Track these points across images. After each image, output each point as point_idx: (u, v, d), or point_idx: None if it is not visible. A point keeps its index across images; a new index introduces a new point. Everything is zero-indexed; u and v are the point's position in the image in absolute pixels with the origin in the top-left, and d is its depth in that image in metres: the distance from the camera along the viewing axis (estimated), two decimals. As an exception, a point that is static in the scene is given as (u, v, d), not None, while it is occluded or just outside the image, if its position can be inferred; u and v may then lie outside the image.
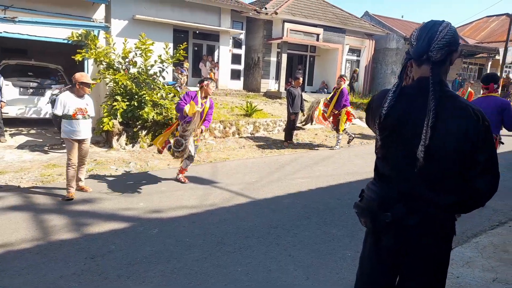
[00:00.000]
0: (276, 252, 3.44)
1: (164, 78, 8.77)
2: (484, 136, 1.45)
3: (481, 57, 22.26)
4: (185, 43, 8.83)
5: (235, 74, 16.14)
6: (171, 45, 11.22)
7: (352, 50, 19.25)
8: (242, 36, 16.19)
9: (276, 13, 15.53)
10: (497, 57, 20.43)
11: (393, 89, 1.53)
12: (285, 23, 16.21)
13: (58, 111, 4.67)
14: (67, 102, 4.69)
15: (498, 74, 19.61)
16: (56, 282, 2.80)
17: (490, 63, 21.55)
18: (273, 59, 16.70)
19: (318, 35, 17.31)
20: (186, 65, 14.54)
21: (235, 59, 16.13)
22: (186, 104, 5.09)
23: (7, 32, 7.92)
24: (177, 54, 8.45)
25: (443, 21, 1.52)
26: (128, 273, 2.96)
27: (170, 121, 8.34)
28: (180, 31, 14.38)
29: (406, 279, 1.60)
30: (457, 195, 1.51)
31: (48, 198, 4.65)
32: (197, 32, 15.15)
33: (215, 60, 15.56)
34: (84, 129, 4.76)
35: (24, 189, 4.98)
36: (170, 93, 8.57)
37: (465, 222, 4.26)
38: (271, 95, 15.24)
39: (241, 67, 16.40)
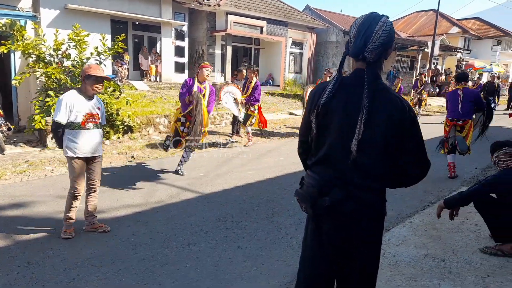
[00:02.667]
0: (225, 245, 3.44)
1: (102, 72, 8.30)
2: (411, 126, 1.57)
3: (412, 50, 23.89)
4: (124, 34, 8.41)
5: (179, 67, 15.78)
6: (108, 36, 10.68)
7: (295, 43, 19.69)
8: (185, 28, 15.83)
9: (219, 5, 15.39)
10: (426, 50, 22.05)
11: (332, 82, 1.61)
12: (229, 15, 16.13)
13: (62, 118, 3.36)
14: (75, 105, 3.38)
15: (428, 65, 21.26)
16: (-16, 295, 2.57)
17: (420, 55, 23.20)
18: (218, 51, 16.57)
19: (261, 27, 17.46)
20: (127, 57, 13.95)
21: (179, 51, 15.76)
22: (186, 90, 5.33)
23: None
24: (116, 46, 8.03)
25: (382, 16, 1.57)
26: (68, 278, 2.80)
27: (110, 117, 7.96)
28: (118, 22, 13.71)
29: (348, 262, 1.68)
30: (390, 180, 1.65)
31: (-28, 204, 4.23)
32: (137, 23, 14.55)
33: (158, 52, 15.07)
34: (96, 142, 3.54)
35: None
36: (109, 87, 8.15)
37: (400, 205, 4.59)
38: (217, 88, 15.12)
39: (185, 59, 16.07)
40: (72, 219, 3.51)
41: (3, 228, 3.63)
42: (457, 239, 3.56)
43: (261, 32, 17.46)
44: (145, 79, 14.82)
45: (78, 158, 3.44)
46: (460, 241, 3.52)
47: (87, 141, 3.45)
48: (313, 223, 1.70)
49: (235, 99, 8.08)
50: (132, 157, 6.84)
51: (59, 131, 3.43)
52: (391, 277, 2.85)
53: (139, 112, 9.08)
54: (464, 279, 2.82)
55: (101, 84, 3.49)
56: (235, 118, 8.95)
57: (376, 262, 1.70)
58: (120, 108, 8.20)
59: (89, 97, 3.50)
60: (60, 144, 3.49)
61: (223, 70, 16.32)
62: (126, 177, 5.52)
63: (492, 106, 11.50)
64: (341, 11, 33.80)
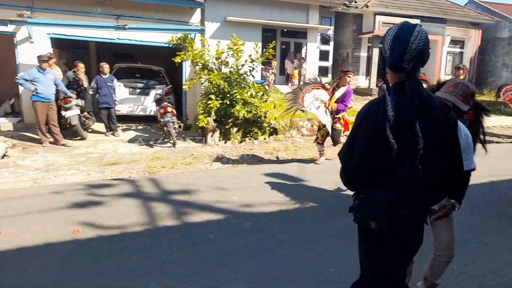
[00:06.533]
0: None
1: (254, 77, 9.06)
2: (454, 128, 1.70)
3: None
4: (274, 41, 8.97)
5: (322, 71, 15.93)
6: (260, 44, 11.53)
7: (455, 42, 17.55)
8: (331, 32, 15.89)
9: (367, 6, 14.90)
10: None
11: (391, 93, 1.61)
12: (377, 16, 15.45)
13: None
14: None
15: None
16: (163, 264, 3.10)
17: None
18: (363, 54, 16.07)
19: (413, 26, 16.12)
20: (274, 63, 14.80)
21: (323, 55, 15.92)
22: None
23: (119, 39, 8.96)
24: (267, 53, 8.64)
25: (415, 26, 1.60)
26: (225, 262, 3.14)
27: (259, 119, 8.59)
28: (268, 30, 14.67)
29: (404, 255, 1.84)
30: (451, 184, 1.85)
31: (153, 187, 5.15)
32: (285, 30, 15.29)
33: (303, 57, 15.52)
34: None
35: (134, 178, 5.60)
36: (259, 92, 8.82)
37: None
38: (361, 92, 14.69)
39: (328, 63, 16.13)
40: None
41: (174, 210, 4.31)
42: None
43: (413, 32, 16.12)
44: (289, 83, 15.46)
45: None
46: None
47: None
48: (379, 237, 1.73)
49: (319, 106, 6.34)
50: (277, 157, 7.23)
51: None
52: None
53: (284, 115, 9.52)
54: None
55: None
56: None
57: None
58: (268, 111, 8.76)
59: None
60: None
61: (368, 74, 15.74)
62: (272, 175, 5.86)
63: None
64: (515, 0, 28.44)
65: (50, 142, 7.54)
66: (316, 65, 15.37)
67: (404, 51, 1.56)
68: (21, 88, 8.17)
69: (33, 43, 8.41)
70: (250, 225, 3.93)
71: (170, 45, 9.35)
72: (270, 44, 8.65)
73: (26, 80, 7.09)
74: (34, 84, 7.11)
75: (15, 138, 7.84)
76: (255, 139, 8.50)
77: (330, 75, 16.14)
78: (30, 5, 8.29)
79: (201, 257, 3.21)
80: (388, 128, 1.58)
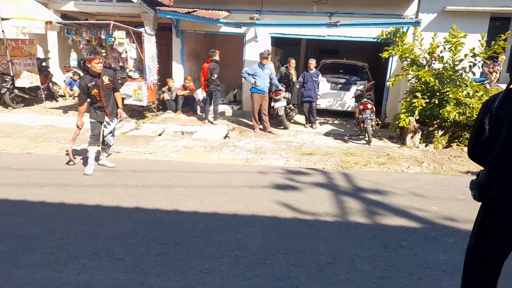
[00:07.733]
0: None
1: (474, 74, 7.79)
2: None
3: None
4: (509, 32, 7.42)
5: None
6: (485, 35, 9.80)
7: None
8: None
9: None
10: None
11: (503, 92, 1.91)
12: None
13: None
14: None
15: None
16: (352, 259, 3.09)
17: None
18: None
19: None
20: (502, 58, 12.32)
21: None
22: None
23: (329, 35, 9.33)
24: (495, 46, 7.27)
25: None
26: (420, 275, 2.87)
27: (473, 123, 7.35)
28: (497, 19, 12.25)
29: None
30: None
31: (345, 182, 5.19)
32: (524, 17, 12.43)
33: (546, 51, 12.29)
34: None
35: (328, 170, 5.79)
36: (478, 91, 7.52)
37: None
38: None
39: None
40: None
41: (366, 208, 4.23)
42: None
43: None
44: (521, 83, 12.57)
45: None
46: None
47: None
48: (481, 214, 2.02)
49: None
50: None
51: None
52: None
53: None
54: None
55: None
56: None
57: None
58: (487, 114, 7.39)
59: None
60: None
61: None
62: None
63: None
64: None
65: (260, 129, 8.62)
66: None
67: None
68: (242, 80, 9.63)
69: (257, 42, 9.76)
70: (453, 242, 3.45)
71: (379, 40, 9.10)
72: (502, 35, 7.23)
73: (249, 74, 8.31)
74: (254, 78, 8.25)
75: (235, 122, 9.36)
76: (465, 146, 7.34)
77: None
78: (259, 9, 9.60)
79: (392, 262, 3.04)
80: (487, 116, 1.91)
